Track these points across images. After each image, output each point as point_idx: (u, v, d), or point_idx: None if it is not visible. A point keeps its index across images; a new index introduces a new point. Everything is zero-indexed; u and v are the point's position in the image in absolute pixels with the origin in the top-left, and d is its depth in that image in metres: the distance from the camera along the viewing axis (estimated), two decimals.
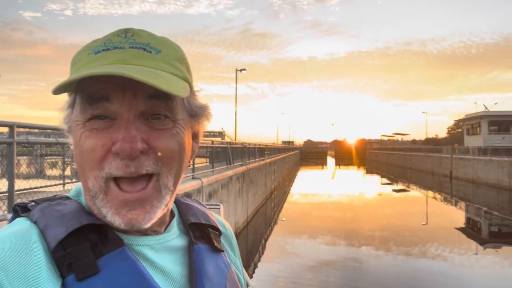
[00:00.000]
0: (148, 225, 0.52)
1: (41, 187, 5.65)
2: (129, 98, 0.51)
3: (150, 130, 0.53)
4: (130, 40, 0.54)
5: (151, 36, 0.56)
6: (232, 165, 12.38)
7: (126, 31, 0.55)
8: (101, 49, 0.53)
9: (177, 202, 0.69)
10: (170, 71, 0.54)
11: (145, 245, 0.56)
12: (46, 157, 7.70)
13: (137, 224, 0.51)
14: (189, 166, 0.61)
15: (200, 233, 0.65)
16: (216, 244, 0.66)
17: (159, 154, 0.52)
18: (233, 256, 0.72)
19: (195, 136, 0.63)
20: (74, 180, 6.85)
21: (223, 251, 0.67)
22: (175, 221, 0.64)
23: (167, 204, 0.55)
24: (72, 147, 0.57)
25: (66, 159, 6.72)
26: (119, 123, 0.51)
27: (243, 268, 0.76)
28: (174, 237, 0.61)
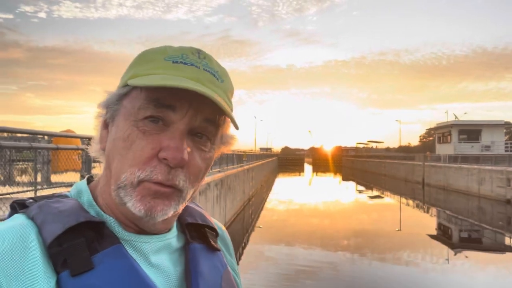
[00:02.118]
0: (161, 218, 0.55)
1: (9, 193, 5.43)
2: (190, 115, 0.55)
3: (192, 146, 0.56)
4: (203, 62, 0.58)
5: (218, 65, 0.61)
6: (210, 171, 12.30)
7: (198, 51, 0.59)
8: (178, 60, 0.56)
9: None
10: (226, 102, 0.58)
11: (144, 242, 0.57)
12: (15, 163, 7.41)
13: (154, 213, 0.53)
14: None
15: (197, 233, 0.67)
16: (212, 243, 0.67)
17: (190, 171, 0.56)
18: (229, 257, 0.73)
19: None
20: (45, 186, 6.62)
21: (219, 250, 0.68)
22: (174, 222, 0.65)
23: (178, 211, 0.57)
24: (100, 133, 0.60)
25: (38, 165, 6.49)
26: (172, 132, 0.54)
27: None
28: (173, 236, 0.63)
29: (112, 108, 0.58)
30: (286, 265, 9.32)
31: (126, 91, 0.57)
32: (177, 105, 0.54)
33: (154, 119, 0.54)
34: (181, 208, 0.57)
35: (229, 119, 0.62)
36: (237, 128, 0.57)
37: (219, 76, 0.58)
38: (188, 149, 0.54)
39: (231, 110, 0.60)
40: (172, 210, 0.55)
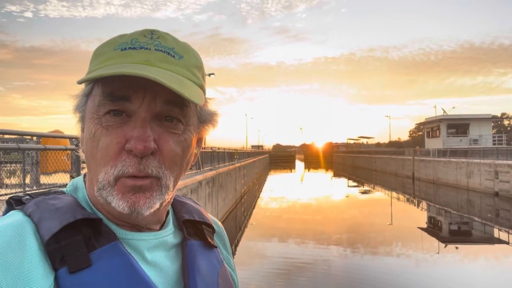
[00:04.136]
0: (148, 212, 0.54)
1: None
2: (148, 100, 0.53)
3: (162, 131, 0.54)
4: (156, 42, 0.56)
5: (175, 41, 0.58)
6: (201, 169, 12.27)
7: (152, 32, 0.57)
8: (127, 46, 0.54)
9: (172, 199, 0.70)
10: (189, 78, 0.56)
11: (140, 240, 0.57)
12: (3, 165, 7.29)
13: (138, 208, 0.52)
14: (191, 169, 0.66)
15: (194, 230, 0.67)
16: (209, 240, 0.67)
17: (164, 157, 0.55)
18: (226, 254, 0.74)
19: (199, 141, 0.64)
20: (34, 188, 6.53)
21: (216, 247, 0.68)
22: (170, 218, 0.65)
23: (165, 200, 0.56)
24: (80, 135, 0.59)
25: (27, 167, 6.40)
26: (134, 121, 0.53)
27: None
28: (169, 233, 0.62)
29: (81, 110, 0.58)
30: (279, 260, 9.35)
31: (89, 91, 0.56)
32: (131, 94, 0.52)
33: (116, 112, 0.53)
34: (167, 197, 0.56)
35: (206, 96, 0.62)
36: (199, 102, 0.52)
37: (175, 52, 0.56)
38: (154, 136, 0.53)
39: (200, 83, 0.58)
40: (157, 201, 0.54)
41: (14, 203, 0.55)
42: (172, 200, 0.63)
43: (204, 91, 0.60)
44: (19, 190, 6.10)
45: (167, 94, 0.53)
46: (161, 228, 0.62)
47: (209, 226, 0.70)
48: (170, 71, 0.53)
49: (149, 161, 0.53)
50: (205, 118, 0.62)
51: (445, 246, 11.25)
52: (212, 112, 0.63)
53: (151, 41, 0.55)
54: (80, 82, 0.51)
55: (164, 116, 0.55)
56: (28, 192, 0.58)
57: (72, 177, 5.63)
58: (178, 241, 0.64)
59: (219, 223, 0.77)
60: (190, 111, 0.57)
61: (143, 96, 0.53)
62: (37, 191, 0.59)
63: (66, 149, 4.54)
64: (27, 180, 6.70)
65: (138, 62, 0.52)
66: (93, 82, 0.55)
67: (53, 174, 5.75)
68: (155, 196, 0.54)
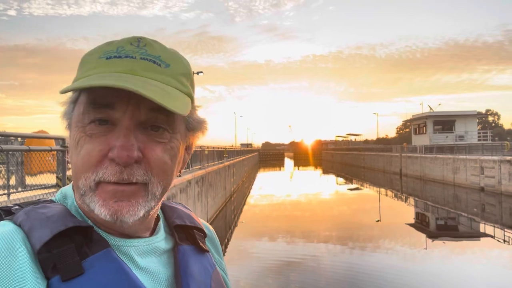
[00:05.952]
0: (132, 220, 0.53)
1: None
2: (132, 108, 0.53)
3: (147, 140, 0.54)
4: (142, 50, 0.55)
5: (162, 49, 0.57)
6: (190, 168, 12.21)
7: (139, 39, 0.56)
8: (112, 55, 0.54)
9: (162, 205, 0.69)
10: (176, 86, 0.55)
11: (131, 246, 0.57)
12: None
13: (121, 216, 0.52)
14: (179, 175, 0.64)
15: (185, 235, 0.67)
16: (201, 244, 0.67)
17: (151, 165, 0.54)
18: (218, 258, 0.74)
19: (188, 148, 0.64)
20: (20, 189, 6.40)
21: (208, 251, 0.68)
22: (161, 224, 0.65)
23: (152, 208, 0.55)
24: (68, 143, 0.58)
25: (11, 168, 6.27)
26: (118, 130, 0.52)
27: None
28: (160, 239, 0.62)
29: (68, 117, 0.57)
30: (269, 258, 9.38)
31: (75, 98, 0.56)
32: (115, 102, 0.52)
33: (101, 121, 0.52)
34: (155, 205, 0.55)
35: (195, 103, 0.61)
36: (183, 112, 0.51)
37: (161, 61, 0.55)
38: (138, 144, 0.52)
39: (188, 91, 0.57)
40: (142, 209, 0.53)
41: (3, 214, 0.55)
42: (158, 209, 0.62)
43: (192, 99, 0.59)
44: (3, 192, 5.97)
45: (151, 102, 0.51)
46: (151, 234, 0.62)
47: (200, 230, 0.70)
48: (154, 80, 0.53)
49: (134, 170, 0.52)
50: (194, 126, 0.61)
51: (432, 241, 11.42)
52: (201, 120, 0.62)
53: (137, 49, 0.55)
54: (62, 92, 0.50)
55: (150, 125, 0.54)
56: (17, 203, 0.57)
57: (58, 178, 5.53)
58: (170, 246, 0.63)
59: (210, 227, 0.78)
60: (176, 118, 0.56)
61: (127, 104, 0.52)
62: (26, 200, 0.58)
63: (51, 150, 4.45)
64: (13, 182, 6.56)
65: (122, 71, 0.52)
66: (79, 90, 0.55)
67: (38, 175, 5.66)
68: (140, 203, 0.53)
